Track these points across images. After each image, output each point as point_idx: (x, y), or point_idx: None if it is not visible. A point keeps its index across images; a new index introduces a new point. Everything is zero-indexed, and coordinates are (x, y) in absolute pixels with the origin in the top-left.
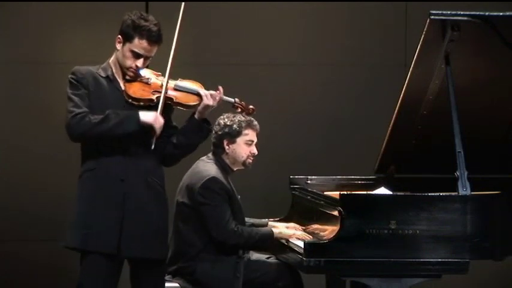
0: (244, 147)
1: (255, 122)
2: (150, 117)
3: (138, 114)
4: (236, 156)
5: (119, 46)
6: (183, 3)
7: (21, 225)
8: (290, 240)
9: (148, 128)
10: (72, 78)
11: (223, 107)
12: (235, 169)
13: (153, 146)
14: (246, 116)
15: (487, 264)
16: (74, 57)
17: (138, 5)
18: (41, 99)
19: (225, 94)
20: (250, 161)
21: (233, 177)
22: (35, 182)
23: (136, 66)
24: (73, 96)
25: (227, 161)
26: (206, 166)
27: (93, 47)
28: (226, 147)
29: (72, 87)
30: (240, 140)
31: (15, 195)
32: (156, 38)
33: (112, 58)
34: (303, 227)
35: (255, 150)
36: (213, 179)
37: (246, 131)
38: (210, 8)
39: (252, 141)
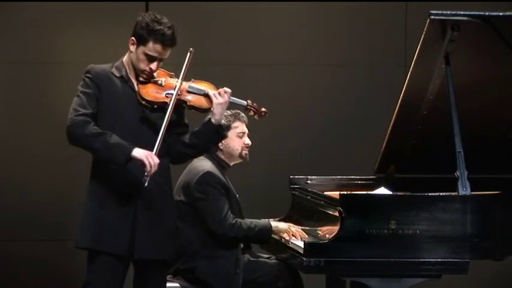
0: (237, 140)
1: (242, 114)
2: (143, 154)
3: (131, 149)
4: (231, 151)
5: (132, 48)
6: (189, 51)
7: (21, 225)
8: (290, 240)
9: (141, 164)
10: (87, 77)
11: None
12: (232, 164)
13: (146, 184)
14: (232, 110)
15: (487, 264)
16: (74, 57)
17: (138, 5)
18: (41, 99)
19: (232, 95)
20: (246, 152)
21: (233, 177)
22: (35, 182)
23: (151, 69)
24: (82, 95)
25: (222, 156)
26: (201, 162)
27: (93, 47)
28: (220, 143)
29: (84, 86)
30: (231, 134)
31: (15, 195)
32: (170, 42)
33: (125, 58)
34: (303, 227)
35: (248, 141)
36: (208, 173)
37: (235, 124)
38: (210, 8)
39: (243, 132)
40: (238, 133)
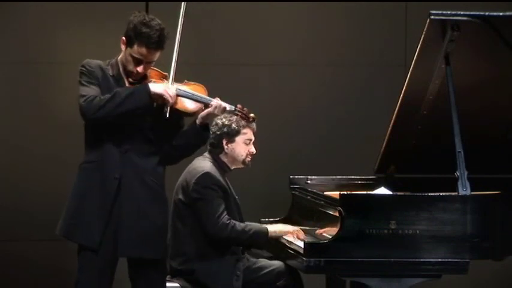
0: (243, 146)
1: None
2: (160, 87)
3: (147, 87)
4: (235, 155)
5: (123, 47)
6: (183, 3)
7: (21, 225)
8: (291, 240)
9: (160, 100)
10: (86, 70)
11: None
12: (232, 168)
13: (167, 115)
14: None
15: (487, 264)
16: (74, 57)
17: (138, 5)
18: (41, 99)
19: (225, 96)
20: (249, 159)
21: (233, 178)
22: (35, 182)
23: (137, 71)
24: (86, 83)
25: (225, 159)
26: (201, 163)
27: (93, 47)
28: (226, 146)
29: (85, 77)
30: (239, 139)
31: (15, 195)
32: (155, 46)
33: (120, 56)
34: (303, 227)
35: (253, 149)
36: (207, 174)
37: (245, 130)
38: (209, 8)
39: (250, 140)
40: (246, 140)
